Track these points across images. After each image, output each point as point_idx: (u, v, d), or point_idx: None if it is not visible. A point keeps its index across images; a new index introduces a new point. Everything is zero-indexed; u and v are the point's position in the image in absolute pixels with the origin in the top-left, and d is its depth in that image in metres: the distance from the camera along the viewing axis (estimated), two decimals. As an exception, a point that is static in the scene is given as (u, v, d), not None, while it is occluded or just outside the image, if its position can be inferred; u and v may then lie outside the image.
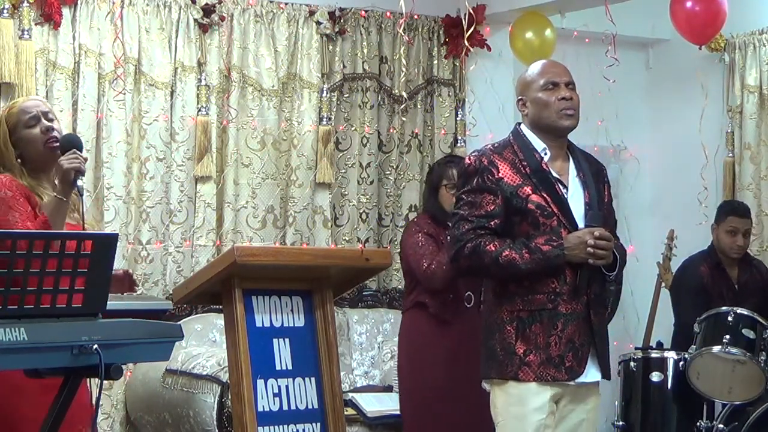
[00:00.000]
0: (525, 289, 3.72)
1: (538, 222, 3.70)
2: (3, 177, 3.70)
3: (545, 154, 3.77)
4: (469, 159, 3.82)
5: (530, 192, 3.72)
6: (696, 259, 6.27)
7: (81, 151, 3.70)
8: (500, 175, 3.73)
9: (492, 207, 3.72)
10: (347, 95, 6.70)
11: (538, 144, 3.78)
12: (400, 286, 6.82)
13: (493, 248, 3.68)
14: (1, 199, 3.64)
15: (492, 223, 3.72)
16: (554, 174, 3.77)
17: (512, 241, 3.70)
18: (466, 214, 3.74)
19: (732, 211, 6.22)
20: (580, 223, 3.74)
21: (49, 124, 3.74)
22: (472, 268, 3.81)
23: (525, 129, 3.83)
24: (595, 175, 3.85)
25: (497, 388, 3.79)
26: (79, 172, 3.61)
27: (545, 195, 3.72)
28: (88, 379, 3.17)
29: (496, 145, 3.87)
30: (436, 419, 5.00)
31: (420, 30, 6.91)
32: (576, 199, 3.77)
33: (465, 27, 6.50)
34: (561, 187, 3.76)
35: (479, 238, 3.71)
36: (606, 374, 3.83)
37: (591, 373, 3.77)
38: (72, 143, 3.69)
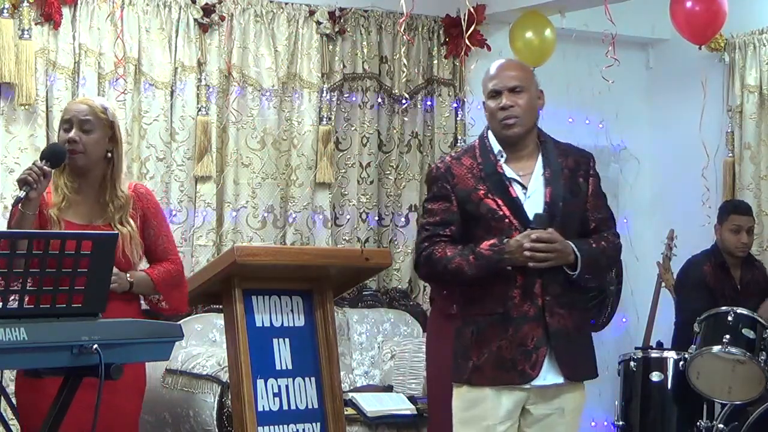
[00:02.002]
0: (479, 294, 3.74)
1: (491, 226, 3.67)
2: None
3: (501, 156, 3.73)
4: (431, 167, 3.88)
5: (482, 196, 3.70)
6: (699, 258, 6.27)
7: (58, 163, 3.75)
8: (455, 181, 3.74)
9: (447, 214, 3.74)
10: (347, 95, 6.70)
11: (495, 147, 3.77)
12: (400, 286, 6.83)
13: (443, 255, 3.71)
14: None
15: (447, 230, 3.74)
16: (512, 175, 3.72)
17: (463, 247, 3.71)
18: (425, 222, 3.79)
19: (734, 209, 6.23)
20: None
21: (73, 135, 3.80)
22: (429, 275, 3.91)
23: (488, 132, 3.84)
24: (572, 169, 3.77)
25: (454, 392, 3.79)
26: (26, 184, 3.65)
27: (497, 198, 3.69)
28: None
29: (460, 150, 3.93)
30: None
31: (420, 30, 6.91)
32: (536, 198, 3.71)
33: (465, 27, 6.49)
34: (519, 188, 3.71)
35: (433, 246, 3.73)
36: (574, 376, 3.73)
37: (549, 377, 3.68)
38: (48, 153, 3.77)
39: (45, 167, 3.69)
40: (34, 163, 3.71)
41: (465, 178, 3.73)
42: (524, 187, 3.71)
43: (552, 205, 3.69)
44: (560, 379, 3.70)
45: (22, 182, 3.66)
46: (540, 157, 3.76)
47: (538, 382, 3.66)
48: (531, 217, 3.65)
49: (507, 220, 3.66)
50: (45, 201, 3.81)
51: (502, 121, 3.75)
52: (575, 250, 3.64)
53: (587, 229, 3.76)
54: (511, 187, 3.70)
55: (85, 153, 3.83)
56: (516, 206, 3.68)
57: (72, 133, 3.81)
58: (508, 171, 3.72)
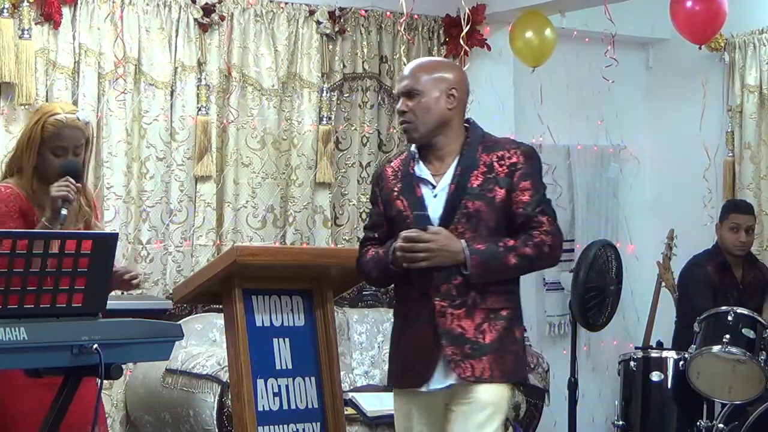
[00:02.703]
0: (397, 297, 3.82)
1: (401, 227, 3.68)
2: (4, 189, 3.74)
3: (413, 157, 3.74)
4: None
5: (395, 197, 3.73)
6: (701, 258, 6.27)
7: (79, 179, 3.75)
8: (382, 184, 3.79)
9: (376, 218, 3.82)
10: (347, 95, 6.70)
11: (413, 147, 3.79)
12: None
13: (366, 258, 3.79)
14: None
15: (376, 234, 3.81)
16: (423, 175, 3.71)
17: (381, 249, 3.75)
18: (364, 227, 3.89)
19: (734, 208, 6.23)
20: (437, 224, 3.65)
21: (73, 160, 3.77)
22: (362, 278, 3.95)
23: None
24: (491, 166, 3.66)
25: None
26: (66, 200, 3.65)
27: (405, 199, 3.70)
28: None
29: (399, 154, 3.92)
30: None
31: (420, 30, 6.91)
32: (442, 198, 3.68)
33: (464, 27, 6.50)
34: (428, 187, 3.69)
35: (362, 249, 3.83)
36: (468, 378, 3.59)
37: (439, 379, 3.62)
38: (68, 170, 3.73)
39: (77, 184, 3.71)
40: (67, 179, 3.68)
41: (388, 181, 3.77)
42: (434, 187, 3.69)
43: (451, 203, 3.64)
44: (448, 382, 3.61)
45: (64, 199, 3.64)
46: (458, 156, 3.71)
47: (433, 385, 3.63)
48: (436, 215, 3.65)
49: (408, 221, 3.67)
50: (34, 213, 3.77)
51: (400, 125, 3.81)
52: (465, 249, 3.57)
53: (516, 225, 3.65)
54: (418, 187, 3.70)
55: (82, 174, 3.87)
56: (420, 206, 3.67)
57: (70, 158, 3.78)
58: (422, 171, 3.72)
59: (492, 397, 3.61)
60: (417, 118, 3.68)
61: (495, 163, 3.66)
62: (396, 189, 3.73)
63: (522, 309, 3.77)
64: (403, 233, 3.59)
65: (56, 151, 3.76)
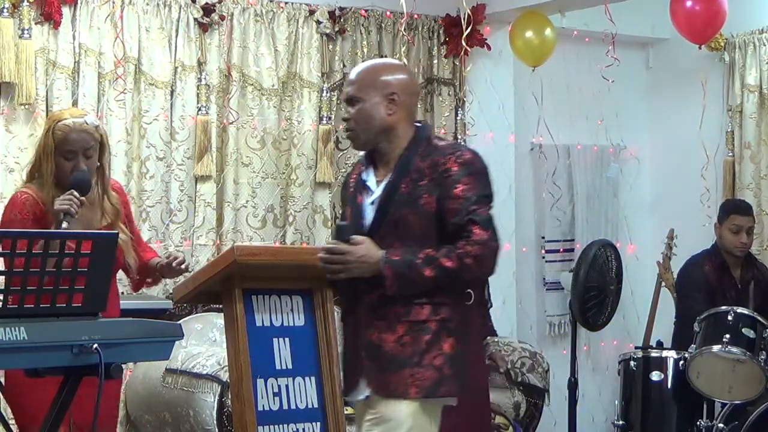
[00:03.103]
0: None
1: None
2: (20, 195, 3.92)
3: (361, 163, 3.69)
4: None
5: (349, 204, 3.70)
6: (700, 258, 6.27)
7: (86, 191, 3.86)
8: (344, 191, 3.79)
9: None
10: (347, 95, 6.69)
11: (362, 154, 3.73)
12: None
13: None
14: (10, 221, 3.85)
15: None
16: (367, 182, 3.63)
17: None
18: None
19: (734, 209, 6.22)
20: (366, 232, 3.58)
21: (83, 166, 3.90)
22: None
23: None
24: (423, 173, 3.52)
25: None
26: (68, 214, 3.75)
27: (351, 206, 3.67)
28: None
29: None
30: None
31: (420, 30, 6.91)
32: (376, 205, 3.60)
33: (464, 26, 6.49)
34: (368, 195, 3.62)
35: None
36: (379, 391, 3.49)
37: (360, 390, 3.55)
38: (76, 183, 3.85)
39: (82, 198, 3.81)
40: (71, 194, 3.80)
41: (349, 187, 3.74)
42: (372, 194, 3.62)
43: (380, 211, 3.55)
44: (368, 394, 3.52)
45: (65, 213, 3.75)
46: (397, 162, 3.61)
47: (356, 396, 3.57)
48: (368, 223, 3.56)
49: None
50: (49, 219, 3.85)
51: (345, 133, 3.76)
52: (381, 261, 3.44)
53: (449, 234, 3.48)
54: (360, 195, 3.63)
55: (90, 187, 3.94)
56: (358, 213, 3.62)
57: (81, 165, 3.91)
58: (367, 177, 3.63)
59: (394, 413, 3.45)
60: (358, 126, 3.59)
61: (427, 170, 3.52)
62: (350, 196, 3.68)
63: (465, 320, 3.57)
64: (327, 245, 3.56)
65: (67, 156, 3.90)
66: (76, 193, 3.80)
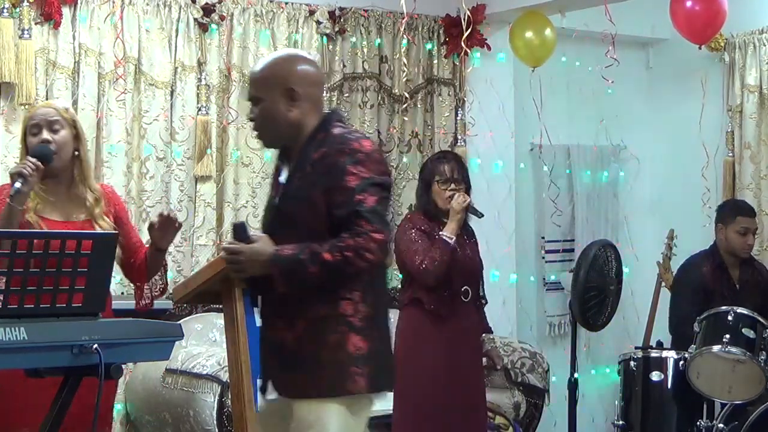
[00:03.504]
0: None
1: None
2: (5, 186, 3.89)
3: (280, 160, 3.60)
4: None
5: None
6: (698, 258, 6.26)
7: (47, 161, 3.81)
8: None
9: None
10: (347, 95, 6.70)
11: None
12: (400, 286, 6.81)
13: None
14: None
15: None
16: (279, 179, 3.54)
17: None
18: None
19: (740, 211, 6.20)
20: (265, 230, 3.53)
21: (47, 136, 3.88)
22: None
23: None
24: (314, 165, 3.39)
25: None
26: (20, 176, 3.73)
27: (267, 203, 3.63)
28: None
29: None
30: (427, 420, 4.99)
31: (420, 30, 6.91)
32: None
33: (464, 27, 6.49)
34: (275, 191, 3.56)
35: None
36: (284, 392, 3.41)
37: (271, 390, 3.47)
38: (36, 152, 3.83)
39: (38, 163, 3.76)
40: (27, 158, 3.79)
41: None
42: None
43: (275, 208, 3.49)
44: (275, 394, 3.45)
45: (18, 174, 3.73)
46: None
47: (269, 395, 3.50)
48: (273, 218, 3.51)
49: (261, 223, 3.61)
50: (28, 205, 3.84)
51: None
52: (269, 259, 3.33)
53: (338, 228, 3.32)
54: (273, 191, 3.58)
55: (58, 153, 3.88)
56: (269, 209, 3.57)
57: (44, 135, 3.88)
58: (281, 175, 3.54)
59: (313, 414, 3.34)
60: (262, 126, 3.50)
61: (318, 162, 3.37)
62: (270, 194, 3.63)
63: (373, 315, 3.39)
64: (225, 244, 3.50)
65: (33, 131, 3.90)
66: (33, 159, 3.76)
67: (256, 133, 3.55)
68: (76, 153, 3.95)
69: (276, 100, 3.44)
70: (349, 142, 3.36)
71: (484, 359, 5.22)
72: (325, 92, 6.51)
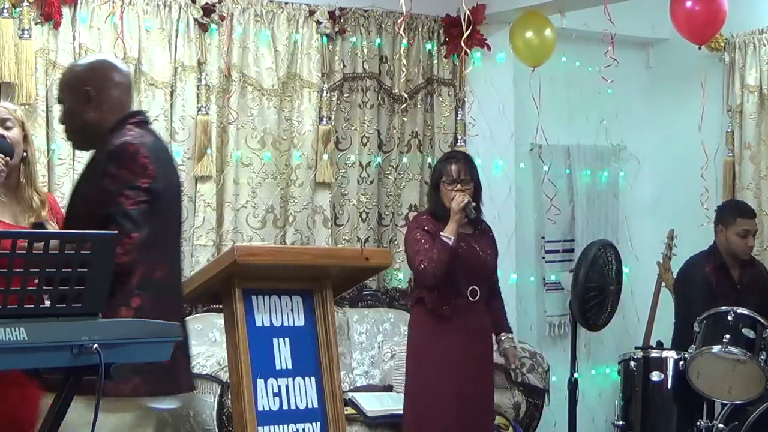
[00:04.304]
0: None
1: None
2: None
3: None
4: None
5: None
6: (699, 259, 6.26)
7: (11, 156, 3.84)
8: None
9: None
10: (347, 95, 6.70)
11: None
12: (400, 286, 6.83)
13: None
14: None
15: None
16: None
17: None
18: None
19: (741, 213, 6.20)
20: None
21: (1, 131, 3.89)
22: None
23: None
24: (96, 167, 3.46)
25: None
26: None
27: None
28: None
29: None
30: (432, 421, 5.00)
31: (420, 30, 6.91)
32: None
33: (464, 27, 6.50)
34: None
35: None
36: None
37: None
38: (2, 148, 3.83)
39: (6, 158, 3.81)
40: None
41: None
42: None
43: (69, 203, 3.59)
44: None
45: None
46: None
47: None
48: None
49: None
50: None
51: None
52: None
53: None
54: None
55: (15, 150, 3.90)
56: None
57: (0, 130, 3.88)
58: None
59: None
60: (66, 127, 3.58)
61: (99, 164, 3.43)
62: None
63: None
64: None
65: None
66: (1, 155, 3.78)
67: (65, 134, 3.65)
68: (24, 154, 3.96)
69: (74, 102, 3.52)
70: (113, 144, 3.40)
71: (501, 357, 5.25)
72: (325, 93, 6.53)
